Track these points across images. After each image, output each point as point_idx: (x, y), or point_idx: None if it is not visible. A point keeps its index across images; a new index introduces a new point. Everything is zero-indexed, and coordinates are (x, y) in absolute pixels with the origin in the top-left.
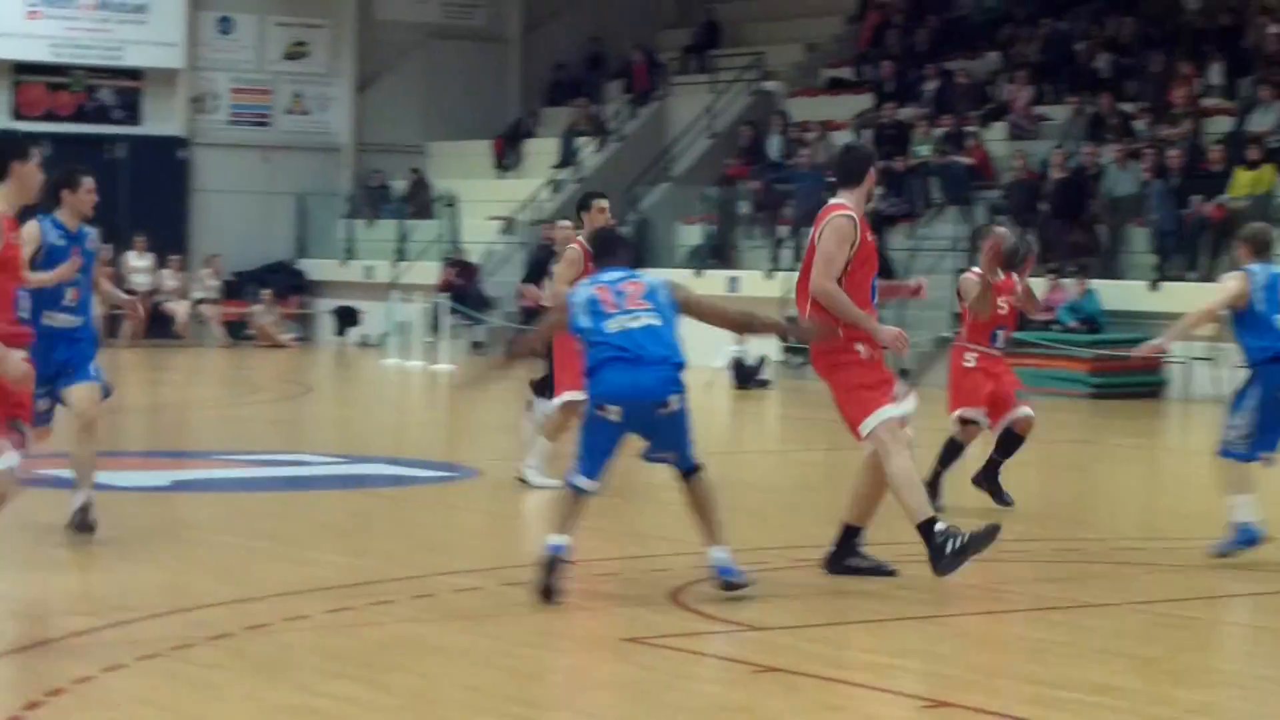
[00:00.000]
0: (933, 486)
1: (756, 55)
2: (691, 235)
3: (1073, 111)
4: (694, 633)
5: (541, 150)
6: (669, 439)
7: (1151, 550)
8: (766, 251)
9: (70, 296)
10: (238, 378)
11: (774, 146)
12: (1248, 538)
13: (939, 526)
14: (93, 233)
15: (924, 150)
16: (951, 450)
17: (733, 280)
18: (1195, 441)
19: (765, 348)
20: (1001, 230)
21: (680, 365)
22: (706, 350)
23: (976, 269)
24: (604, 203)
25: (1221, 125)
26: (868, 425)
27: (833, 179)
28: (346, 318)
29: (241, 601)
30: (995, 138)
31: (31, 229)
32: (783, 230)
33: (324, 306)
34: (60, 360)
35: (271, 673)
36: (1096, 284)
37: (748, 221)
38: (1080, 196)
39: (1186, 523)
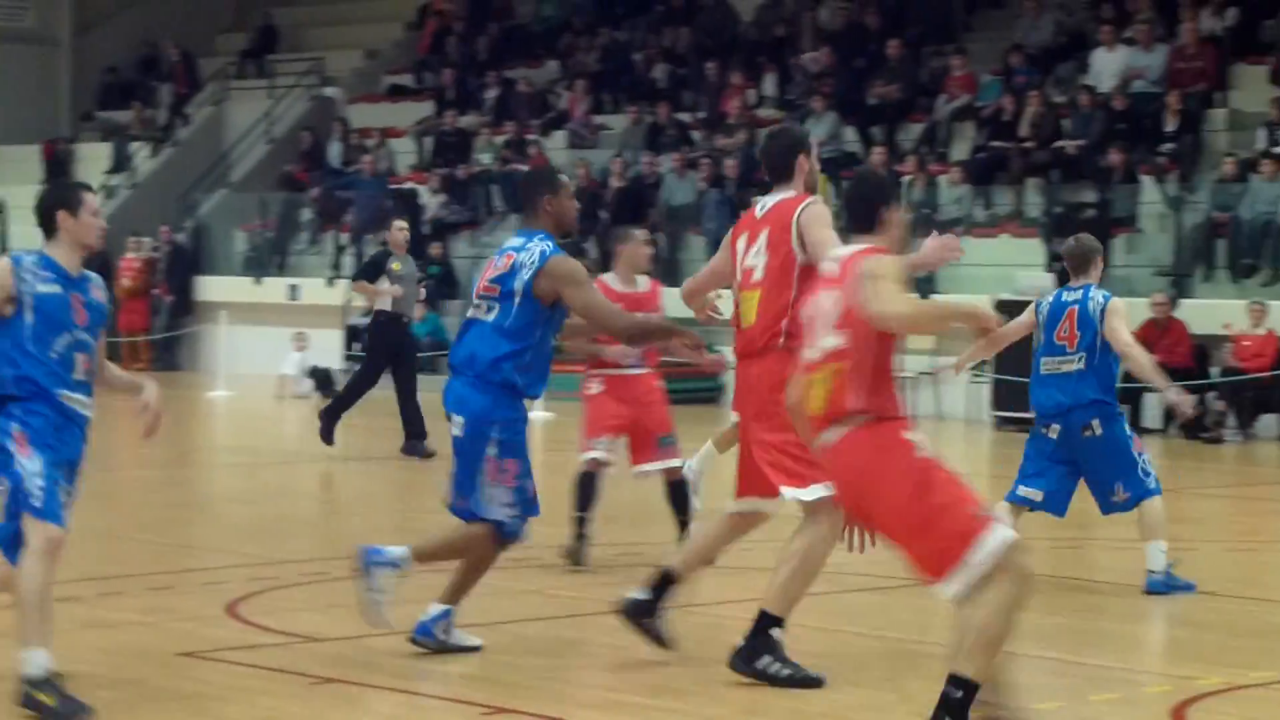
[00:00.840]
0: (580, 536)
1: (315, 60)
2: (249, 242)
3: (631, 120)
4: (251, 645)
5: (94, 155)
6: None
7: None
8: (327, 259)
9: (82, 368)
10: None
11: (334, 153)
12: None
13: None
14: (96, 278)
15: (486, 158)
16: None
17: (293, 288)
18: None
19: (331, 356)
20: (639, 234)
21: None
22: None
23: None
24: None
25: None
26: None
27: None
28: None
29: None
30: (556, 146)
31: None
32: (343, 237)
33: None
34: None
35: None
36: (660, 289)
37: (308, 228)
38: (639, 205)
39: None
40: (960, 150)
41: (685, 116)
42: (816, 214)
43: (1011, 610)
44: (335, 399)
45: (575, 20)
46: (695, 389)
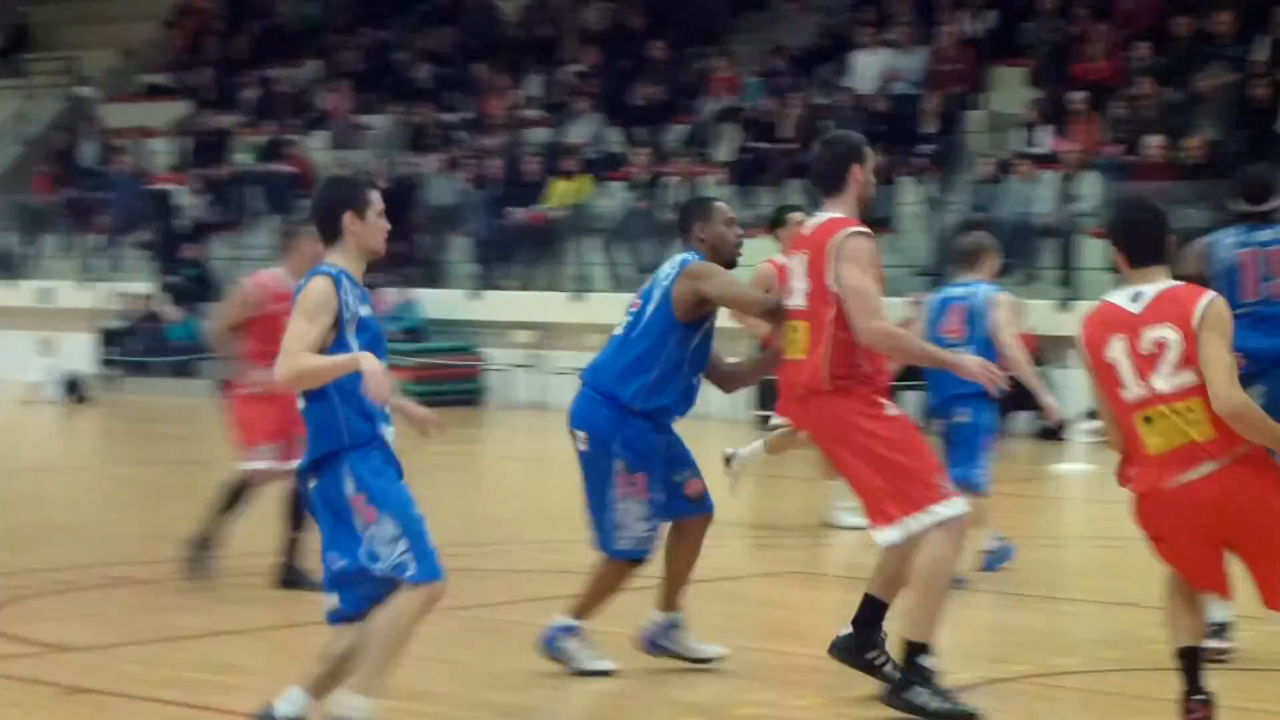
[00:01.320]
0: (204, 543)
1: (69, 60)
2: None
3: (394, 121)
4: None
5: None
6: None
7: (471, 556)
8: (79, 261)
9: None
10: None
11: (89, 153)
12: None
13: None
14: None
15: (244, 158)
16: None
17: (44, 291)
18: (515, 447)
19: (82, 361)
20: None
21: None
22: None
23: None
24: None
25: (539, 136)
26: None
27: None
28: None
29: None
30: (317, 146)
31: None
32: (98, 239)
33: None
34: None
35: None
36: (420, 293)
37: (60, 230)
38: (402, 206)
39: (505, 528)
40: (724, 151)
41: (449, 117)
42: (856, 248)
43: None
44: None
45: (336, 19)
46: (454, 391)
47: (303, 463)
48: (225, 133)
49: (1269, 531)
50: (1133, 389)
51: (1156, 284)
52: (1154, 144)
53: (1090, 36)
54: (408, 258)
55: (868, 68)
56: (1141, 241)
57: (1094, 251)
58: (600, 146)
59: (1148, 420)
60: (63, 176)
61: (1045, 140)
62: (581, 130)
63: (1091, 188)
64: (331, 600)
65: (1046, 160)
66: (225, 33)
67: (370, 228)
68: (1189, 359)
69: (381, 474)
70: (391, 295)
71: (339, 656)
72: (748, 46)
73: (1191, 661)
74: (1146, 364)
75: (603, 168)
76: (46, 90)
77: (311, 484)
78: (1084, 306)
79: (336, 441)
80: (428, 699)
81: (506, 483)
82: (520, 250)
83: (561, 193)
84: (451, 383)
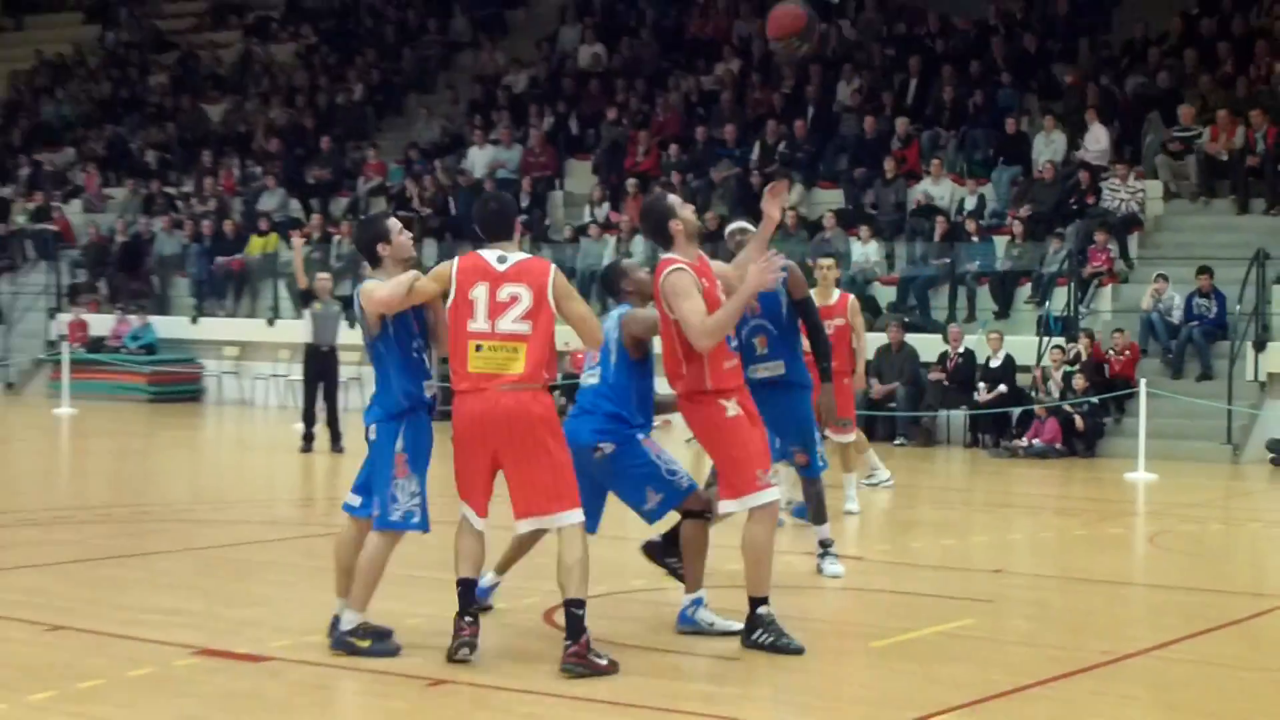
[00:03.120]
0: None
1: None
2: None
3: (130, 192)
4: None
5: None
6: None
7: (200, 510)
8: None
9: None
10: None
11: None
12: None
13: None
14: None
15: (21, 219)
16: None
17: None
18: (225, 434)
19: None
20: None
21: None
22: None
23: None
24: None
25: (238, 204)
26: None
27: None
28: None
29: None
30: (74, 211)
31: None
32: None
33: None
34: None
35: None
36: (153, 319)
37: None
38: (138, 255)
39: (221, 490)
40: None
41: (171, 190)
42: (674, 283)
43: None
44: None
45: (86, 117)
46: (180, 391)
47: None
48: (6, 200)
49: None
50: (480, 323)
51: (515, 254)
52: None
53: (637, 139)
54: (144, 293)
55: (479, 159)
56: (499, 223)
57: None
58: (284, 212)
59: (478, 349)
60: None
61: (605, 213)
62: (270, 200)
63: (638, 248)
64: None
65: (608, 227)
66: (4, 127)
67: (399, 245)
68: (529, 314)
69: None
70: (133, 320)
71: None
72: (390, 141)
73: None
74: (498, 309)
75: (286, 228)
76: None
77: None
78: None
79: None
80: (183, 614)
81: (221, 459)
82: (227, 287)
83: (257, 245)
84: (178, 385)
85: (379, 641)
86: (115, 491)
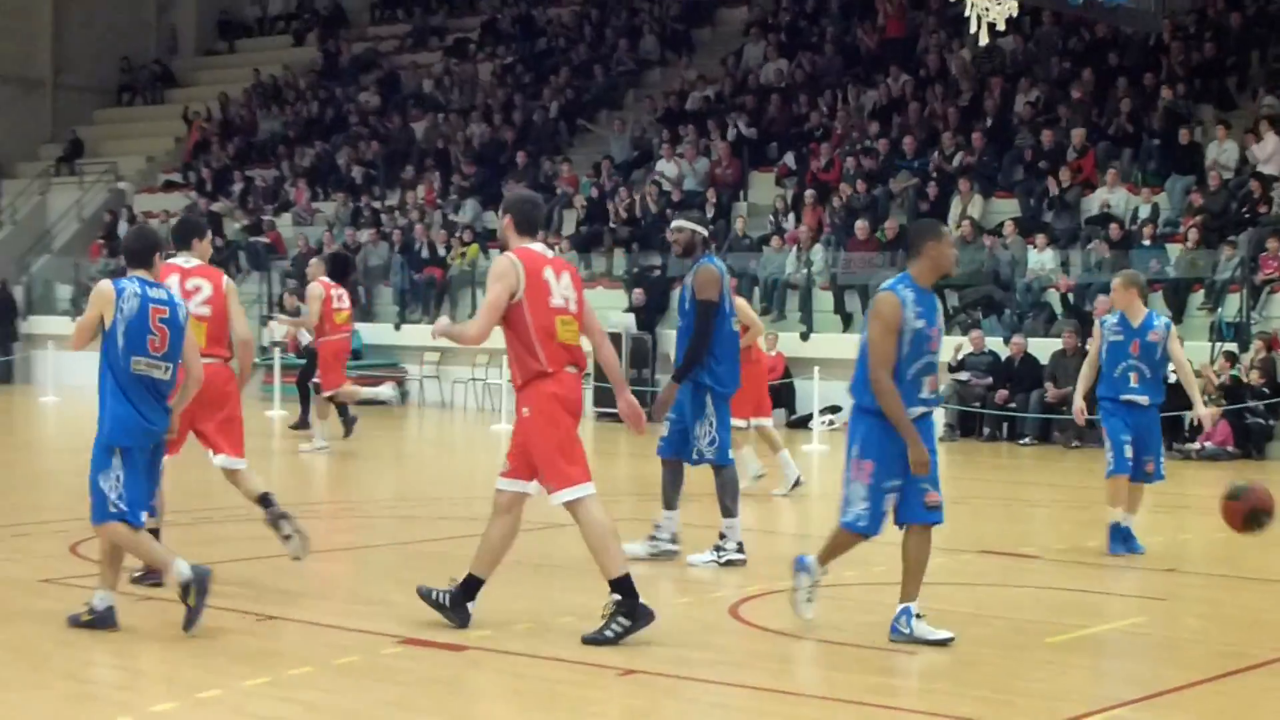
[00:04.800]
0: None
1: (111, 163)
2: (74, 291)
3: (338, 206)
4: (90, 574)
5: None
6: None
7: (404, 506)
8: None
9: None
10: None
11: (124, 228)
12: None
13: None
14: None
15: (235, 232)
16: None
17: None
18: (428, 435)
19: None
20: None
21: None
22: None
23: None
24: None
25: (438, 217)
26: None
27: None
28: None
29: None
30: (284, 224)
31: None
32: None
33: None
34: None
35: None
36: (359, 326)
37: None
38: (346, 265)
39: (426, 487)
40: (568, 228)
41: (377, 204)
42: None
43: None
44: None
45: (296, 135)
46: None
47: None
48: (218, 214)
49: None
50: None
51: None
52: (860, 226)
53: (818, 151)
54: (354, 301)
55: (668, 172)
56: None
57: (824, 299)
58: (482, 223)
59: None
60: (107, 245)
61: (788, 223)
62: (468, 213)
63: (818, 256)
64: None
65: (789, 237)
66: (220, 144)
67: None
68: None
69: None
70: None
71: None
72: (582, 155)
73: None
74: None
75: (485, 239)
76: (95, 185)
77: None
78: (816, 338)
79: None
80: (386, 605)
81: (424, 457)
82: (428, 295)
83: (458, 256)
84: None
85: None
86: (324, 489)
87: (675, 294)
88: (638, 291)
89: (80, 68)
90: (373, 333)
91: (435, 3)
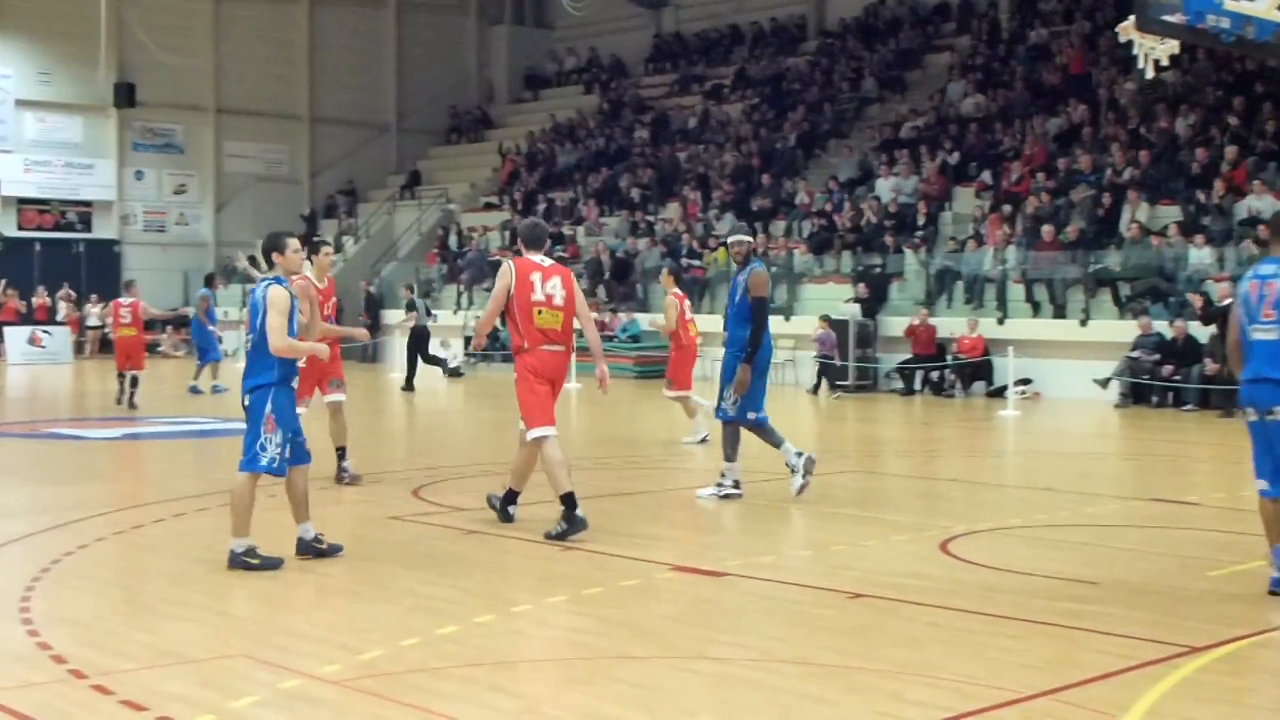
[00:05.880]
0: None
1: (443, 189)
2: (418, 291)
3: (620, 220)
4: (427, 513)
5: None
6: None
7: (672, 460)
8: (452, 298)
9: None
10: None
11: (453, 241)
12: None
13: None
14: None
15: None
16: None
17: (434, 314)
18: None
19: (458, 352)
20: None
21: None
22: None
23: None
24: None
25: (699, 228)
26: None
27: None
28: None
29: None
30: (580, 235)
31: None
32: (460, 288)
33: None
34: None
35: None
36: (637, 315)
37: (439, 284)
38: (627, 267)
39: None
40: (804, 233)
41: (650, 217)
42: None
43: None
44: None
45: (587, 164)
46: (659, 372)
47: None
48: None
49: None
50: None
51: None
52: (1046, 230)
53: (1010, 170)
54: (630, 295)
55: (885, 188)
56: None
57: (1015, 291)
58: (737, 233)
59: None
60: (441, 254)
61: (986, 228)
62: (723, 224)
63: (1011, 255)
64: None
65: (983, 240)
66: (526, 173)
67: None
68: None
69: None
70: (623, 317)
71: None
72: (816, 175)
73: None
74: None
75: (734, 246)
76: (430, 207)
77: None
78: (1010, 323)
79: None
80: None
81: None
82: (693, 290)
83: (710, 258)
84: (658, 366)
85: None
86: (611, 446)
87: (893, 287)
88: (862, 285)
89: (418, 114)
90: (648, 321)
91: (696, 56)
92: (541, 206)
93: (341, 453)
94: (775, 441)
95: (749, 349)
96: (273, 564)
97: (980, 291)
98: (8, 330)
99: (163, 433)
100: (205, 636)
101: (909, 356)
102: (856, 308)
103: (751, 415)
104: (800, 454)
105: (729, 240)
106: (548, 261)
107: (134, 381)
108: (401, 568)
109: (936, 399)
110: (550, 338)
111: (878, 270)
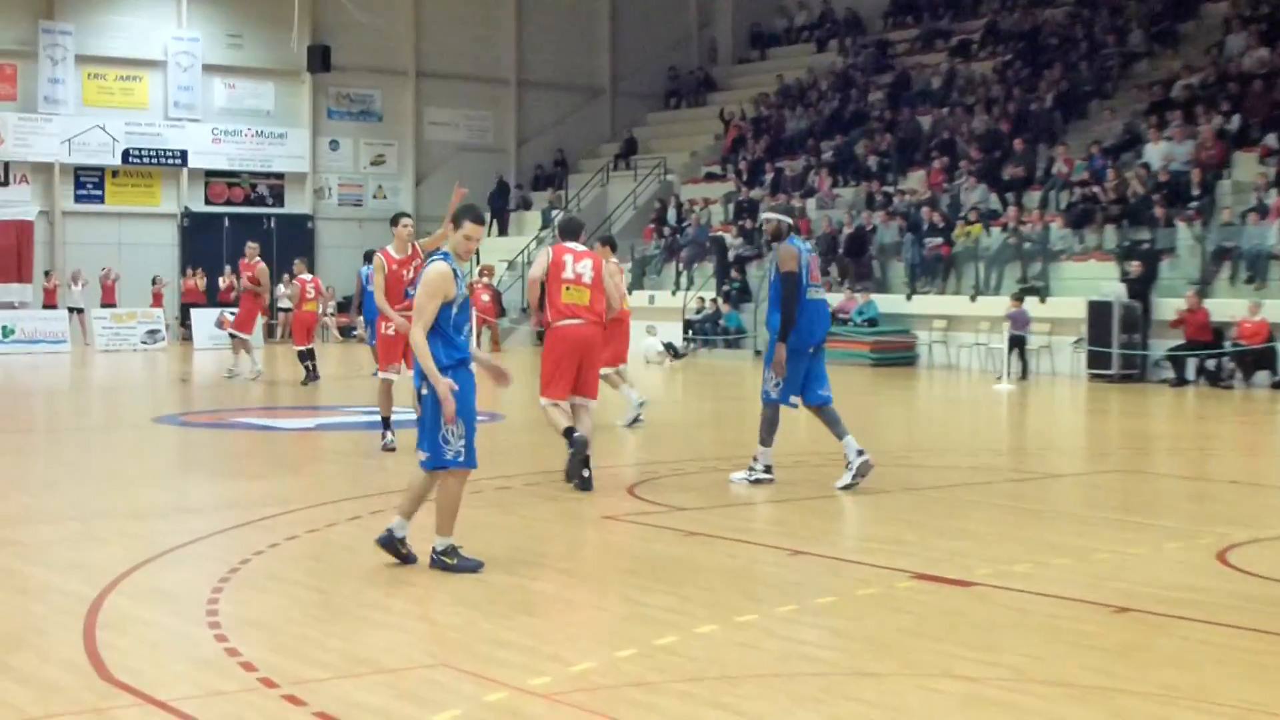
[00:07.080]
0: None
1: (661, 158)
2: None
3: (856, 192)
4: (644, 512)
5: (530, 219)
6: None
7: (915, 457)
8: (671, 278)
9: None
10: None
11: (672, 215)
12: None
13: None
14: None
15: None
16: None
17: (652, 296)
18: (937, 394)
19: (675, 337)
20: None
21: None
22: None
23: None
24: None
25: (944, 199)
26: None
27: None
28: None
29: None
30: (809, 208)
31: None
32: (680, 266)
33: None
34: None
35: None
36: (875, 297)
37: (659, 259)
38: (862, 244)
39: (940, 439)
40: (1061, 204)
41: (889, 189)
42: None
43: None
44: None
45: (819, 130)
46: (897, 357)
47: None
48: (754, 201)
49: None
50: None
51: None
52: None
53: None
54: (866, 274)
55: (1155, 153)
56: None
57: None
58: (985, 205)
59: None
60: (658, 229)
61: (1269, 199)
62: (972, 196)
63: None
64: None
65: (1267, 213)
66: (754, 139)
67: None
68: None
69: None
70: (859, 298)
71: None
72: (1075, 140)
73: None
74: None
75: (987, 218)
76: (647, 177)
77: None
78: None
79: None
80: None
81: (933, 413)
82: (936, 268)
83: (963, 234)
84: (895, 353)
85: None
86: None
87: (1163, 265)
88: (1135, 264)
89: (634, 77)
90: (886, 303)
91: (942, 8)
92: (769, 176)
93: (386, 423)
94: (839, 432)
95: (783, 326)
96: (472, 566)
97: (1264, 270)
98: (194, 313)
99: (357, 423)
100: (404, 644)
101: (1181, 342)
102: (1122, 288)
103: (795, 400)
104: (861, 452)
105: (762, 218)
106: (580, 248)
107: (310, 354)
108: (616, 572)
109: (1213, 390)
110: (574, 312)
111: (1145, 246)
